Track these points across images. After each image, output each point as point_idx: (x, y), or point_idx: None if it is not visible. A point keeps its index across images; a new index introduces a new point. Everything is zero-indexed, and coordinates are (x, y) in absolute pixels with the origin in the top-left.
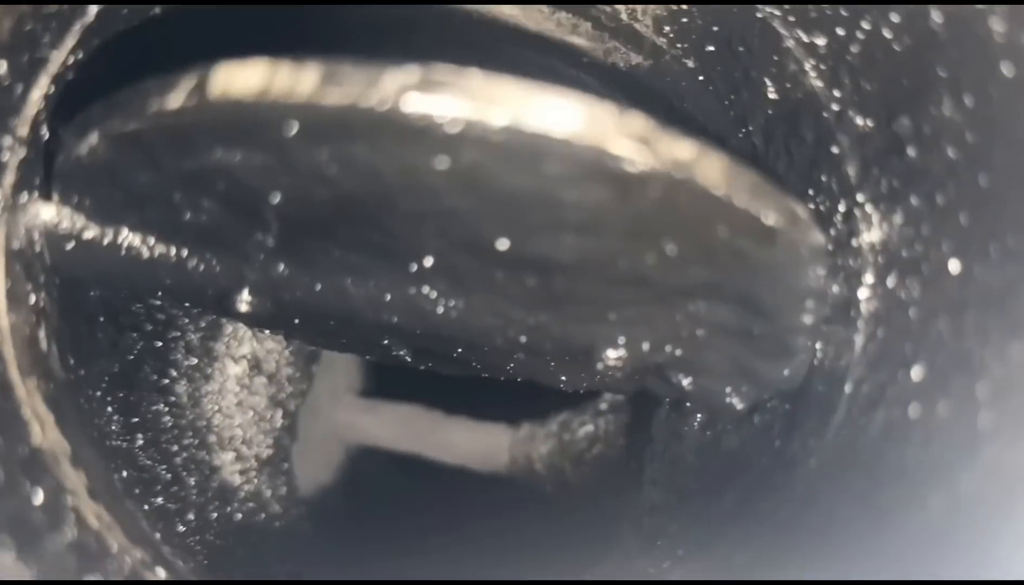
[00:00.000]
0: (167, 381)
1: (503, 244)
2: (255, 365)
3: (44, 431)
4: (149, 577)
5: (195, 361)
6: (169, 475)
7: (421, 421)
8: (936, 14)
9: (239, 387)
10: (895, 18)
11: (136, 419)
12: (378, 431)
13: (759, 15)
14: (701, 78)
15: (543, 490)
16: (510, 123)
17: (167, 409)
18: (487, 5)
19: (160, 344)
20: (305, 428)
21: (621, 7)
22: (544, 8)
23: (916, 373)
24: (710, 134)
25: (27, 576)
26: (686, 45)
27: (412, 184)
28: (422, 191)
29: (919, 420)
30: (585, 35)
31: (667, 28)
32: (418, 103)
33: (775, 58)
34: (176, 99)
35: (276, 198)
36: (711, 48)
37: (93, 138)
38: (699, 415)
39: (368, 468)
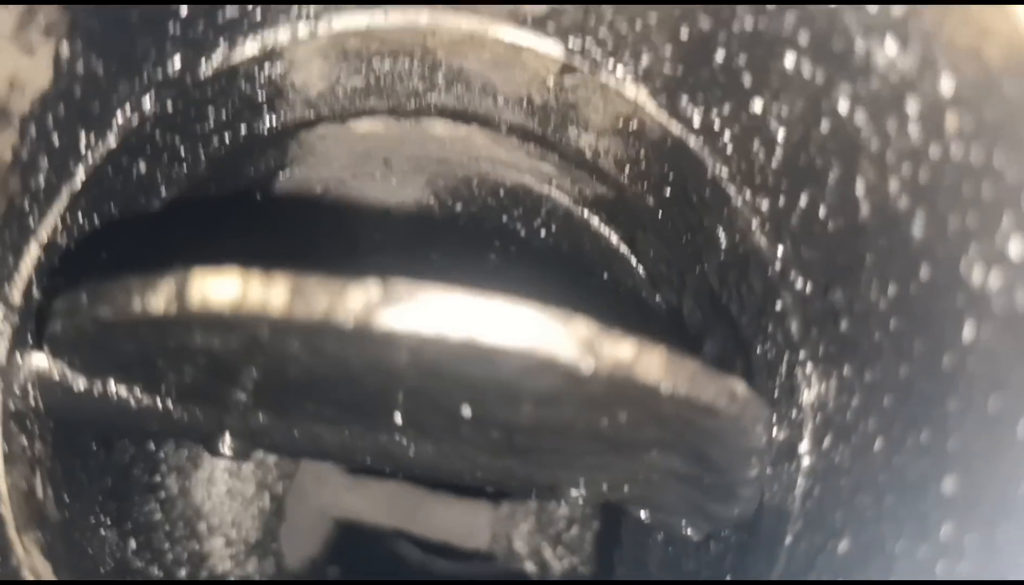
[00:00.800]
0: (158, 478)
1: (466, 411)
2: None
3: None
4: None
5: (185, 454)
6: (161, 572)
7: (405, 499)
8: (865, 207)
9: (228, 475)
10: (830, 199)
11: (129, 525)
12: (364, 509)
13: (707, 173)
14: (660, 214)
15: (523, 571)
16: (463, 340)
17: (158, 506)
18: (462, 133)
19: (151, 446)
20: (292, 509)
21: (584, 145)
22: (514, 140)
23: (843, 546)
24: (671, 267)
25: None
26: (645, 186)
27: (376, 370)
28: (387, 376)
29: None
30: (554, 164)
31: (627, 168)
32: (381, 319)
33: (725, 212)
34: (157, 303)
35: (251, 371)
36: (667, 192)
37: (79, 319)
38: (660, 534)
39: (355, 545)
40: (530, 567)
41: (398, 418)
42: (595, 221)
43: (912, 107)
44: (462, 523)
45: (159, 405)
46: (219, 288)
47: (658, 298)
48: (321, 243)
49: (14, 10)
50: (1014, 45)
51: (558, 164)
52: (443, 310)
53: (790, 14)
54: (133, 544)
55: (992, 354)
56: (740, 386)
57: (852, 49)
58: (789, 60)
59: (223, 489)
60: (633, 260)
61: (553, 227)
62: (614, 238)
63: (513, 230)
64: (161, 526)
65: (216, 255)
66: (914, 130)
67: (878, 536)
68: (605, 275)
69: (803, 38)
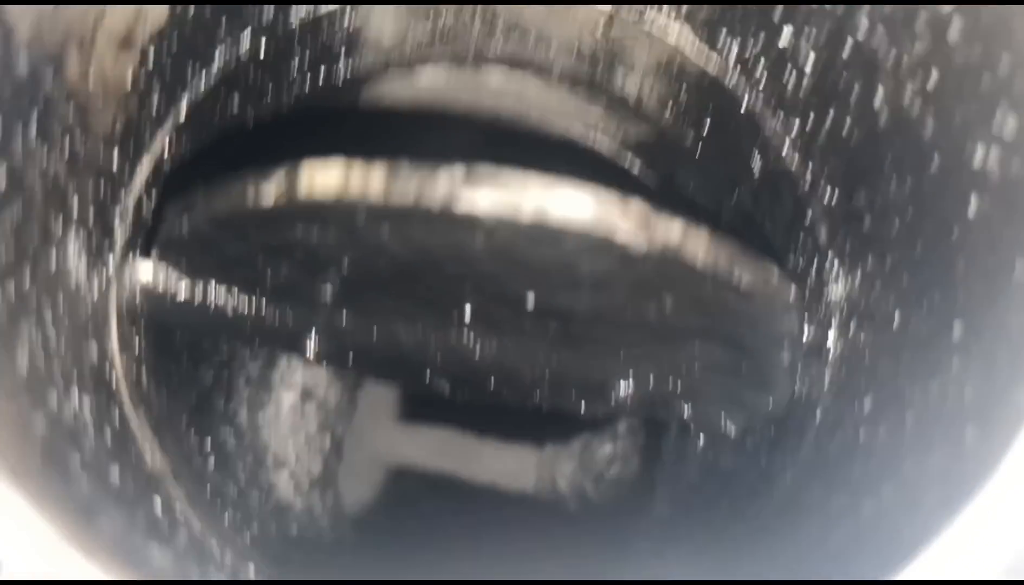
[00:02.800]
0: (232, 409)
1: (530, 299)
2: (306, 393)
3: (152, 455)
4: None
5: (254, 391)
6: (236, 492)
7: (455, 444)
8: (883, 116)
9: (292, 413)
10: (853, 114)
11: (208, 444)
12: (416, 453)
13: (743, 103)
14: (700, 149)
15: (566, 506)
16: (535, 215)
17: (232, 432)
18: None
19: (226, 375)
20: (350, 450)
21: (630, 87)
22: (565, 86)
23: (867, 404)
24: (709, 196)
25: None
26: (685, 123)
27: (455, 255)
28: (463, 260)
29: (864, 442)
30: (601, 106)
31: (668, 108)
32: (464, 199)
33: (759, 137)
34: (269, 196)
35: (343, 264)
36: (705, 126)
37: (195, 217)
38: (701, 439)
39: (407, 486)
40: (573, 505)
41: (467, 311)
42: (635, 167)
43: (923, 20)
44: (508, 465)
45: (253, 307)
46: (326, 176)
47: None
48: None
49: None
50: None
51: (605, 107)
52: (517, 189)
53: None
54: (212, 461)
55: (989, 220)
56: (774, 271)
57: None
58: None
59: (287, 426)
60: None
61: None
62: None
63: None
64: (235, 452)
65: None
66: (922, 41)
67: (897, 388)
68: None
69: None
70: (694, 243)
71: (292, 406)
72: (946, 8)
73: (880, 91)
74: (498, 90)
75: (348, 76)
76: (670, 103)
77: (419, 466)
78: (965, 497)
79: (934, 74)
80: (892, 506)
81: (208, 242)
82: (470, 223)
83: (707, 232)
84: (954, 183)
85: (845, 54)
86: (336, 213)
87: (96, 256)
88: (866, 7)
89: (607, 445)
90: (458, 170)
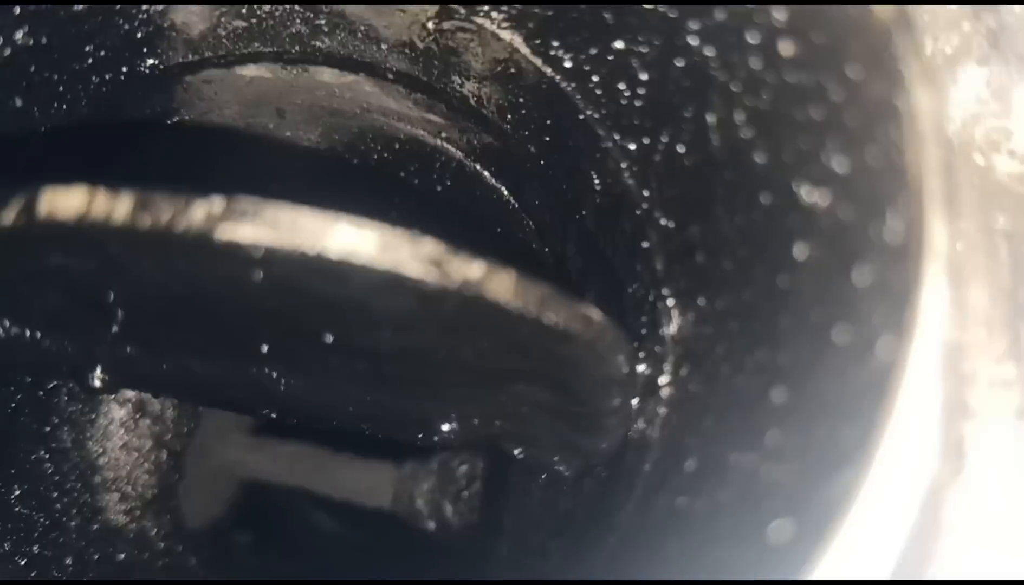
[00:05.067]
0: (48, 428)
1: (328, 338)
2: (139, 407)
3: None
4: None
5: (78, 406)
6: (48, 522)
7: (308, 458)
8: (715, 140)
9: (123, 429)
10: (686, 135)
11: (13, 470)
12: (267, 468)
13: (580, 117)
14: (542, 162)
15: (424, 526)
16: (312, 246)
17: (47, 456)
18: (349, 82)
19: (41, 393)
20: (193, 466)
21: (468, 92)
22: (401, 88)
23: (689, 465)
24: (555, 215)
25: None
26: (526, 133)
27: (233, 291)
28: (244, 296)
29: (684, 511)
30: (442, 114)
31: (509, 116)
32: (224, 231)
33: (598, 156)
34: (7, 217)
35: (111, 296)
36: (547, 138)
37: None
38: (543, 474)
39: (257, 504)
40: (431, 524)
41: (264, 348)
42: (486, 174)
43: (752, 36)
44: (364, 482)
45: (28, 336)
46: (66, 201)
47: (547, 249)
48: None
49: None
50: None
51: (446, 114)
52: (289, 224)
53: None
54: (16, 489)
55: (816, 269)
56: (595, 312)
57: None
58: None
59: (118, 443)
60: (522, 212)
61: (448, 181)
62: (504, 190)
63: (411, 183)
64: (50, 476)
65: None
66: (754, 59)
67: (718, 451)
68: (499, 228)
69: None
70: (497, 284)
71: (123, 422)
72: (779, 26)
73: (712, 112)
74: (332, 85)
75: (156, 68)
76: (510, 111)
77: (270, 482)
78: None
79: (764, 98)
80: (715, 571)
81: None
82: (237, 255)
83: (513, 272)
84: (784, 223)
85: (677, 70)
86: (83, 237)
87: None
88: (697, 18)
89: (466, 464)
90: (217, 201)
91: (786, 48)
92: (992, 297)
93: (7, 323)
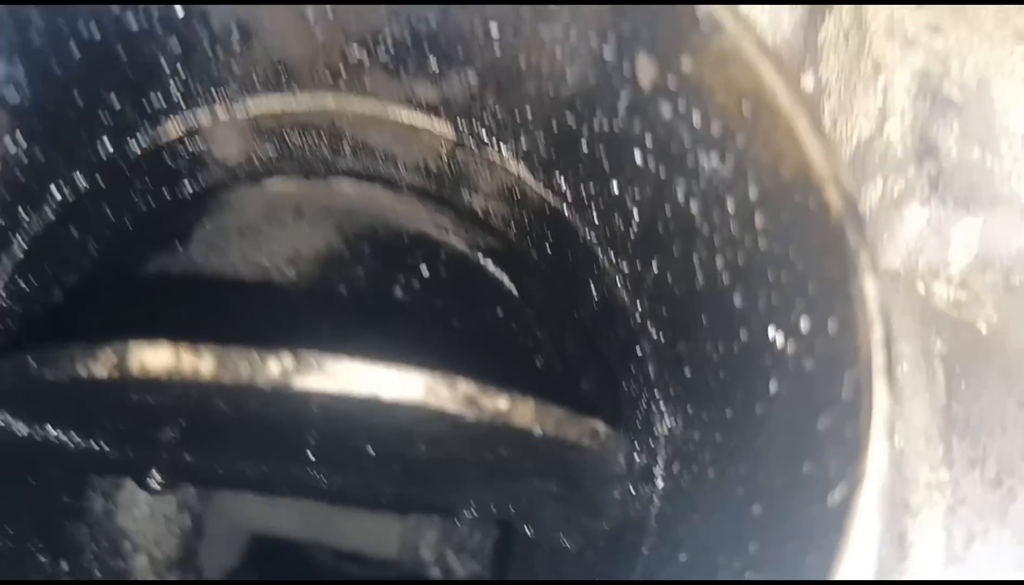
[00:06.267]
0: (84, 502)
1: (370, 450)
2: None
3: None
4: None
5: (109, 478)
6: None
7: (318, 513)
8: (700, 278)
9: (149, 496)
10: (674, 268)
11: (60, 548)
12: (279, 523)
13: (580, 239)
14: (543, 266)
15: (429, 576)
16: (368, 393)
17: (86, 528)
18: (366, 190)
19: (75, 472)
20: (211, 526)
21: (475, 206)
22: (415, 198)
23: (682, 557)
24: (554, 310)
25: None
26: (529, 242)
27: (293, 422)
28: (301, 423)
29: None
30: (450, 218)
31: (513, 226)
32: (296, 382)
33: (595, 269)
34: (101, 369)
35: (180, 422)
36: (547, 248)
37: (22, 378)
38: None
39: (272, 556)
40: (436, 573)
41: (311, 455)
42: (489, 265)
43: (731, 204)
44: (372, 534)
45: (94, 446)
46: (155, 358)
47: (543, 334)
48: (237, 287)
49: None
50: (801, 165)
51: (454, 219)
52: (347, 375)
53: (637, 120)
54: (64, 565)
55: (788, 405)
56: (600, 426)
57: (685, 154)
58: (638, 156)
59: (146, 510)
60: (522, 301)
61: (452, 269)
62: (505, 280)
63: (416, 268)
64: (88, 546)
65: (146, 315)
66: (732, 222)
67: (707, 549)
68: (499, 312)
69: (648, 140)
70: (521, 412)
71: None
72: (752, 201)
73: (696, 255)
74: (350, 194)
75: (195, 193)
76: (513, 223)
77: (283, 536)
78: None
79: (740, 255)
80: None
81: (41, 398)
82: (304, 401)
83: (531, 401)
84: (759, 360)
85: (666, 216)
86: (169, 387)
87: None
88: (682, 179)
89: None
90: (286, 357)
91: (759, 219)
92: (930, 412)
93: (75, 436)
